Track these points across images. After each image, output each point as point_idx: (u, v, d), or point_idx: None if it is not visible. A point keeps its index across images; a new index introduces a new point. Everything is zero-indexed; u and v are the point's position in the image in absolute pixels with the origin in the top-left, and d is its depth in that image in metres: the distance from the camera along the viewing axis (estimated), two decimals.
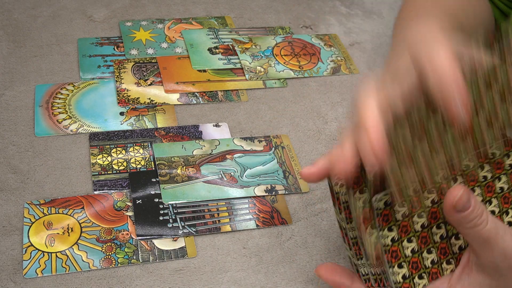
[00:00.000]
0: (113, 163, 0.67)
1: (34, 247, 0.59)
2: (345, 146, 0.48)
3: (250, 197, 0.65)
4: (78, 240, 0.60)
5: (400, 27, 0.69)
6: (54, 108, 0.73)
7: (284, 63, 0.82)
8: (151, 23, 0.86)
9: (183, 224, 0.62)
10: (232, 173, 0.67)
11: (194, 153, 0.69)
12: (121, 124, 0.72)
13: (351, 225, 0.52)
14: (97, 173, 0.66)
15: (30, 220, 0.61)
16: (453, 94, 0.46)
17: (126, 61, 0.79)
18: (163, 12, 0.88)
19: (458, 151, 0.49)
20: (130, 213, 0.63)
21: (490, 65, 0.48)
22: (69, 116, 0.72)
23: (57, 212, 0.62)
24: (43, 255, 0.58)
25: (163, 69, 0.79)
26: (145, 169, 0.67)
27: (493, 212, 0.54)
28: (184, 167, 0.67)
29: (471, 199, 0.48)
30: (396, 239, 0.51)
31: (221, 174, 0.67)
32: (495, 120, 0.49)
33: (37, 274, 0.57)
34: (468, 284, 0.51)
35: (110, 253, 0.59)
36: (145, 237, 0.61)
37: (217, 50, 0.82)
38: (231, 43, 0.83)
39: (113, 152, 0.68)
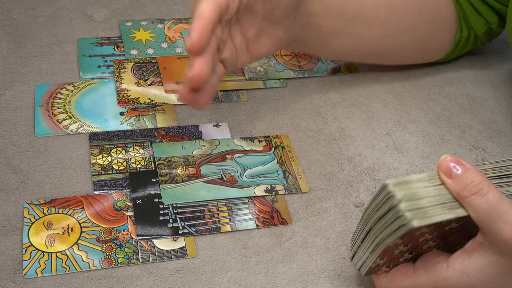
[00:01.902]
0: (113, 163, 0.67)
1: (34, 247, 0.59)
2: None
3: (250, 197, 0.65)
4: (78, 240, 0.60)
5: None
6: (54, 108, 0.73)
7: (284, 63, 0.82)
8: (151, 23, 0.86)
9: (183, 224, 0.62)
10: (232, 173, 0.67)
11: (194, 153, 0.69)
12: (121, 124, 0.72)
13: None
14: (97, 173, 0.66)
15: (30, 220, 0.61)
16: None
17: (126, 61, 0.79)
18: (163, 12, 0.88)
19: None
20: (130, 213, 0.63)
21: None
22: (69, 116, 0.72)
23: (57, 212, 0.62)
24: (43, 255, 0.58)
25: (163, 69, 0.79)
26: (145, 169, 0.67)
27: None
28: (184, 167, 0.67)
29: (464, 165, 0.49)
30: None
31: (221, 174, 0.67)
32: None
33: (37, 274, 0.57)
34: (469, 263, 0.50)
35: (110, 253, 0.59)
36: (145, 237, 0.61)
37: None
38: None
39: (113, 152, 0.68)
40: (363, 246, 0.52)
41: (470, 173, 0.49)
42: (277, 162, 0.69)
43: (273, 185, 0.66)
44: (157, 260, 0.59)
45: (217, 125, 0.73)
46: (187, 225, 0.62)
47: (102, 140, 0.69)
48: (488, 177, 0.51)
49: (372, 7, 0.72)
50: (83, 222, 0.61)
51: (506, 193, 0.50)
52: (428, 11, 0.75)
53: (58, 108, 0.73)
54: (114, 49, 0.81)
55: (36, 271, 0.57)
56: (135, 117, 0.73)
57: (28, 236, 0.60)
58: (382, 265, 0.53)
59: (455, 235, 0.53)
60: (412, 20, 0.75)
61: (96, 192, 0.64)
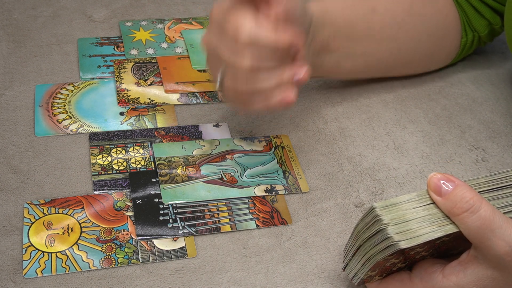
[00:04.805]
0: (113, 163, 0.67)
1: (34, 247, 0.59)
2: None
3: (250, 197, 0.65)
4: (78, 240, 0.60)
5: None
6: (54, 108, 0.73)
7: None
8: (151, 23, 0.86)
9: (183, 224, 0.62)
10: (232, 173, 0.67)
11: (194, 153, 0.69)
12: (121, 124, 0.72)
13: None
14: (97, 173, 0.66)
15: (30, 220, 0.61)
16: None
17: (126, 61, 0.79)
18: (163, 12, 0.88)
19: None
20: (130, 213, 0.63)
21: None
22: (69, 116, 0.72)
23: (57, 212, 0.62)
24: (43, 255, 0.58)
25: (163, 69, 0.79)
26: (145, 169, 0.67)
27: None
28: (184, 167, 0.67)
29: (453, 181, 0.49)
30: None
31: (221, 174, 0.67)
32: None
33: (37, 274, 0.57)
34: (464, 275, 0.50)
35: (110, 253, 0.59)
36: (145, 237, 0.61)
37: None
38: None
39: (113, 152, 0.68)
40: (354, 260, 0.52)
41: (460, 189, 0.48)
42: (277, 162, 0.69)
43: (273, 185, 0.66)
44: (157, 260, 0.59)
45: (217, 125, 0.73)
46: (187, 225, 0.62)
47: (102, 140, 0.69)
48: (482, 190, 0.50)
49: (379, 25, 0.73)
50: (83, 222, 0.61)
51: (502, 205, 0.50)
52: (434, 22, 0.76)
53: (58, 108, 0.73)
54: (114, 49, 0.81)
55: (36, 271, 0.57)
56: (135, 117, 0.73)
57: (28, 236, 0.60)
58: (374, 275, 0.53)
59: (447, 244, 0.52)
60: (420, 33, 0.75)
61: (96, 192, 0.64)
